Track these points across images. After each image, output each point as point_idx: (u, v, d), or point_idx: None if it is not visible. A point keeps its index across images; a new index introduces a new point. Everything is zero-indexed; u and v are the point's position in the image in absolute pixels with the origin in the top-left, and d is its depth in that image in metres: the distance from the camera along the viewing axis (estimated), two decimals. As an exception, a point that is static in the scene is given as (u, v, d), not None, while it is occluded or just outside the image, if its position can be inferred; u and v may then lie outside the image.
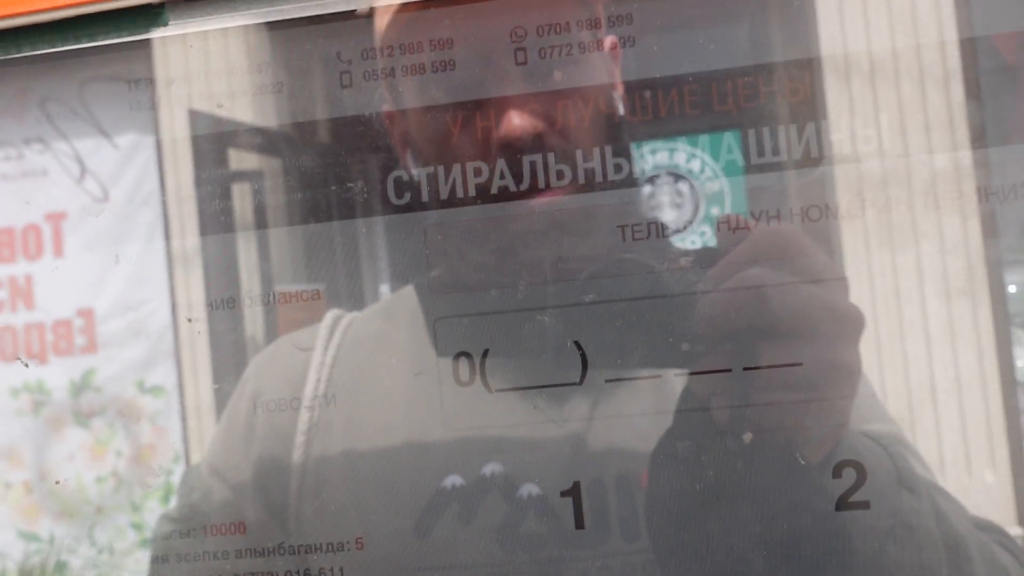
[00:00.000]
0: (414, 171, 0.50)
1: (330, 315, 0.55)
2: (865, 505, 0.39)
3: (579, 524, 0.45)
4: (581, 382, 0.43)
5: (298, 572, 0.46)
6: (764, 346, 0.40)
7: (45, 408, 1.16)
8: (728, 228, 0.43)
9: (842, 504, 0.39)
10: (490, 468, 0.46)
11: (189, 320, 0.59)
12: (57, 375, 1.35)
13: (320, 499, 0.51)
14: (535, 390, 0.44)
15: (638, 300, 0.43)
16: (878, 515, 0.42)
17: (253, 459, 0.54)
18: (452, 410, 0.45)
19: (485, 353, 0.44)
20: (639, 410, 0.43)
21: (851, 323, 0.41)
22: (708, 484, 0.40)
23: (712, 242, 0.53)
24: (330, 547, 0.45)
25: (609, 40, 0.49)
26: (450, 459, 0.47)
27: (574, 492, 0.45)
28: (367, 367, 0.51)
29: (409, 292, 0.56)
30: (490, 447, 0.46)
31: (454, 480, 0.46)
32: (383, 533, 0.46)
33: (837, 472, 0.41)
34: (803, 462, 0.40)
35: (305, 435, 0.51)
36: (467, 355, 0.44)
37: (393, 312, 0.53)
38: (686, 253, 0.45)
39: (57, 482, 0.92)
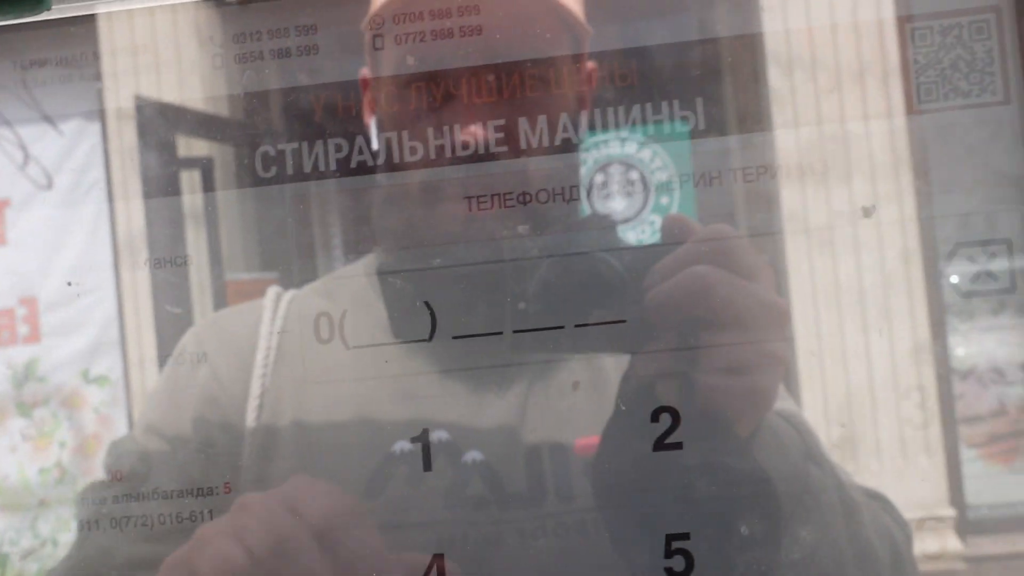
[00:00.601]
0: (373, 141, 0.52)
1: (271, 290, 0.56)
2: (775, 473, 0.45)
3: (517, 488, 0.49)
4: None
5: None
6: (704, 334, 0.45)
7: (-14, 399, 1.13)
8: (675, 227, 0.48)
9: (759, 471, 0.44)
10: (437, 435, 0.49)
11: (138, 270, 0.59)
12: (-2, 365, 1.33)
13: (272, 463, 0.53)
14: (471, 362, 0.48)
15: (596, 290, 0.46)
16: (788, 484, 0.47)
17: (199, 421, 0.54)
18: (400, 381, 0.48)
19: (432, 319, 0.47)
20: (571, 386, 0.47)
21: (779, 316, 0.47)
22: (652, 454, 0.44)
23: (659, 234, 0.56)
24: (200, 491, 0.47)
25: (589, 66, 0.53)
26: (399, 427, 0.50)
27: (514, 458, 0.49)
28: (312, 340, 0.53)
29: (354, 269, 0.58)
30: (437, 417, 0.49)
31: (403, 446, 0.50)
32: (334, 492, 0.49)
33: (759, 447, 0.46)
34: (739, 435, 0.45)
35: (258, 399, 0.53)
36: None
37: (335, 290, 0.55)
38: (633, 250, 0.49)
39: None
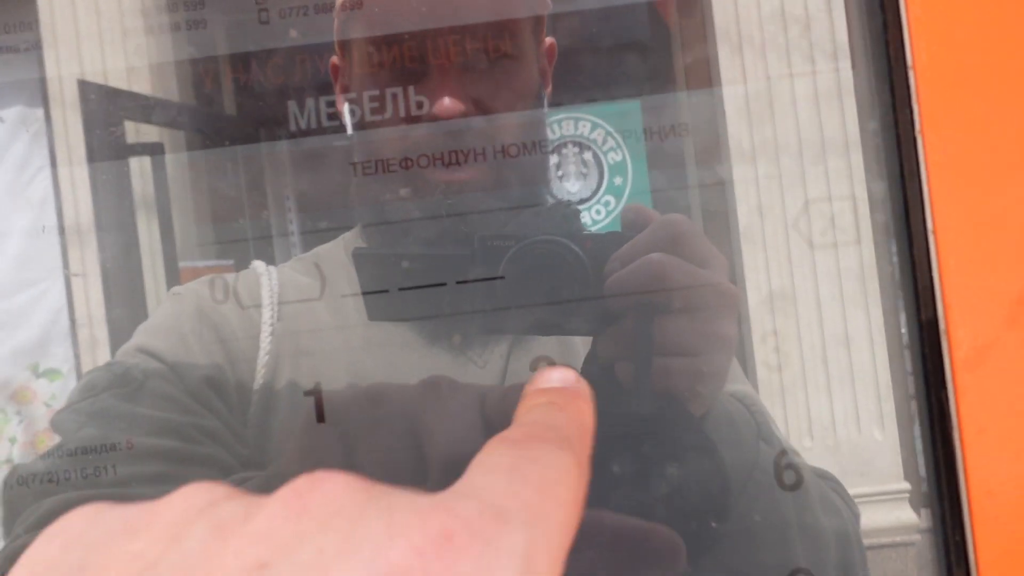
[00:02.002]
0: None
1: (257, 262, 0.57)
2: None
3: None
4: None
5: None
6: (660, 318, 0.47)
7: (-69, 395, 1.11)
8: (634, 216, 0.51)
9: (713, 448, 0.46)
10: None
11: (75, 275, 0.59)
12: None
13: (269, 420, 0.54)
14: (458, 334, 0.50)
15: (559, 275, 0.48)
16: (741, 461, 0.49)
17: (205, 358, 0.55)
18: (387, 349, 0.51)
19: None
20: (532, 361, 0.49)
21: (730, 301, 0.49)
22: (612, 430, 0.46)
23: (615, 212, 0.56)
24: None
25: (548, 41, 0.55)
26: None
27: (490, 429, 0.51)
28: (302, 314, 0.54)
29: (333, 247, 0.58)
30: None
31: None
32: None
33: (712, 426, 0.48)
34: (692, 414, 0.47)
35: (267, 354, 0.54)
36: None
37: (318, 266, 0.56)
38: (595, 238, 0.51)
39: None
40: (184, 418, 0.53)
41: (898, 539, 0.66)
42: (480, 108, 0.53)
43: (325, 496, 0.24)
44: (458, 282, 0.48)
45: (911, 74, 0.46)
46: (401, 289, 0.49)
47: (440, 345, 0.53)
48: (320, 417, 0.47)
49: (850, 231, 0.55)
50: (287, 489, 0.25)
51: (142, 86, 0.63)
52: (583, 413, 0.33)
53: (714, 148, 0.56)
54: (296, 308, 0.57)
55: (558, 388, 0.33)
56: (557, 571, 0.24)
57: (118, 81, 0.62)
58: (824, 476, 0.56)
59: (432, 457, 0.43)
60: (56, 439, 0.55)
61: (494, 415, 0.43)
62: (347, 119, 0.54)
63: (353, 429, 0.44)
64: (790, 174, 0.57)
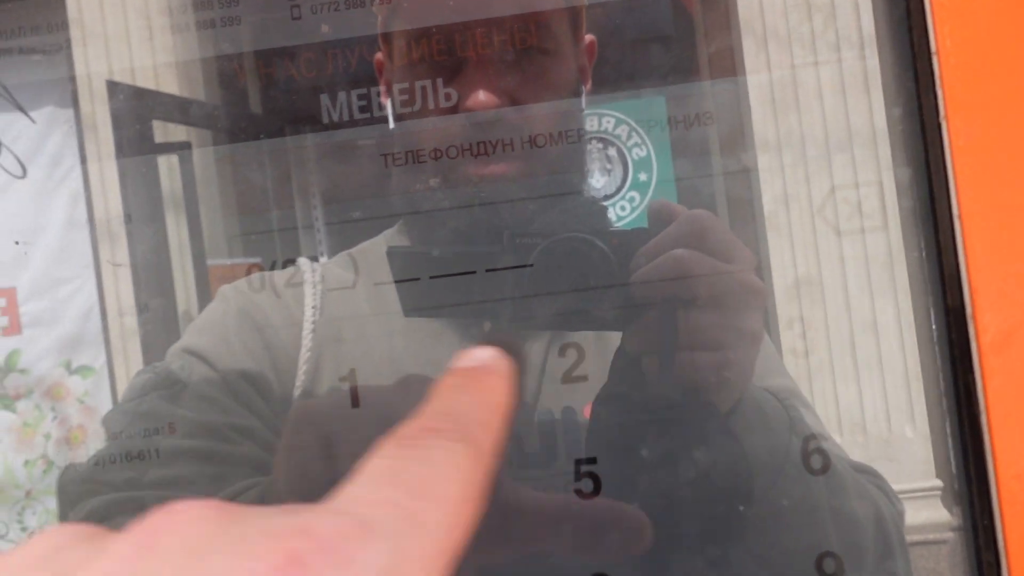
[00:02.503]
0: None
1: (302, 260, 0.58)
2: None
3: (533, 448, 0.53)
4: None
5: None
6: (686, 313, 0.47)
7: (-31, 392, 1.13)
8: (660, 212, 0.51)
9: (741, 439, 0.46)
10: None
11: (118, 265, 0.60)
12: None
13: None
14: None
15: (586, 272, 0.49)
16: (773, 456, 0.49)
17: (252, 353, 0.56)
18: (428, 344, 0.51)
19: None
20: (583, 362, 0.50)
21: (756, 295, 0.49)
22: (638, 423, 0.46)
23: (640, 208, 0.56)
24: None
25: (588, 38, 0.55)
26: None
27: (532, 421, 0.52)
28: (347, 308, 0.56)
29: (373, 243, 0.59)
30: None
31: None
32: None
33: (740, 420, 0.48)
34: (718, 409, 0.46)
35: (309, 351, 0.55)
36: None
37: (355, 257, 0.57)
38: (621, 234, 0.52)
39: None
40: (224, 419, 0.54)
41: (930, 537, 0.65)
42: (515, 103, 0.53)
43: (176, 530, 0.24)
44: (487, 270, 0.49)
45: (935, 60, 0.45)
46: (432, 278, 0.50)
47: (471, 334, 0.54)
48: (355, 402, 0.47)
49: (877, 217, 0.55)
50: (139, 526, 0.24)
51: (170, 83, 0.64)
52: (494, 391, 0.32)
53: (739, 136, 0.56)
54: (336, 301, 0.58)
55: (469, 367, 0.32)
56: (440, 570, 0.24)
57: (146, 79, 0.63)
58: (865, 470, 0.56)
59: None
60: (101, 438, 0.56)
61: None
62: (390, 114, 0.55)
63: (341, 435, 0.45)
64: (816, 161, 0.56)
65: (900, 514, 0.56)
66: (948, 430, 0.53)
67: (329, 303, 0.58)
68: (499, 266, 0.49)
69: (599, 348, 0.53)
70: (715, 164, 0.55)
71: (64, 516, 0.57)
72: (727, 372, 0.49)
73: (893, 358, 0.60)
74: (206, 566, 0.22)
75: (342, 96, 0.55)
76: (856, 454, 0.68)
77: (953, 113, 0.45)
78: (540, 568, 0.45)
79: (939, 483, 0.70)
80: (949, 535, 0.68)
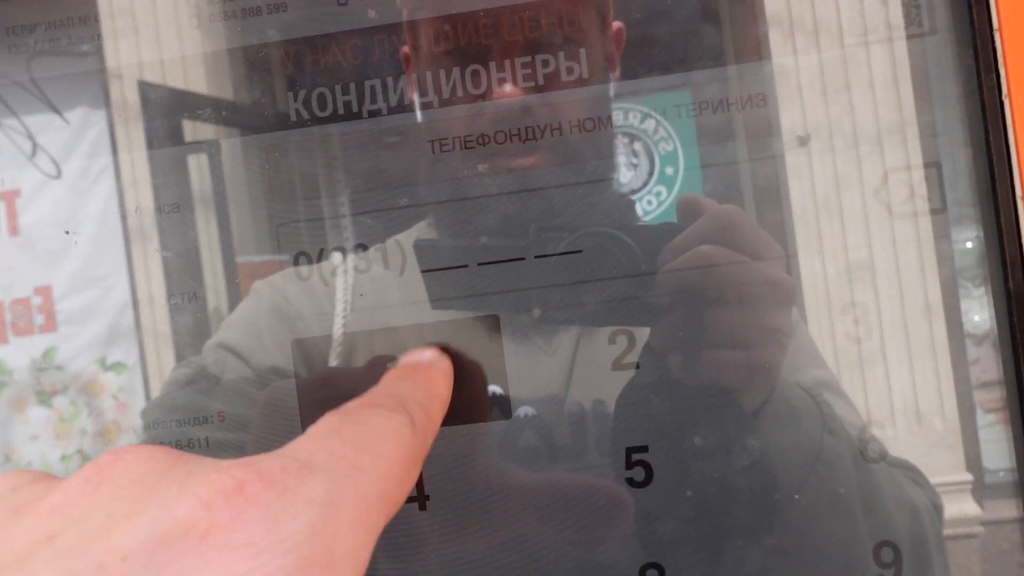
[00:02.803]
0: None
1: (335, 254, 0.59)
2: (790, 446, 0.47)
3: (564, 441, 0.53)
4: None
5: None
6: (712, 310, 0.47)
7: (7, 389, 1.15)
8: (687, 206, 0.51)
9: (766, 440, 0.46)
10: (491, 390, 0.53)
11: (165, 255, 0.62)
12: (18, 355, 1.32)
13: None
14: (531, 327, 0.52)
15: (612, 268, 0.49)
16: (803, 454, 0.49)
17: (279, 345, 0.58)
18: (456, 339, 0.52)
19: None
20: (608, 349, 0.50)
21: (784, 292, 0.48)
22: (665, 419, 0.46)
23: (666, 203, 0.56)
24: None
25: (615, 25, 0.55)
26: None
27: (561, 414, 0.53)
28: (377, 302, 0.56)
29: (406, 235, 0.60)
30: (490, 373, 0.53)
31: None
32: None
33: (768, 416, 0.48)
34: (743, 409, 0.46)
35: (341, 346, 0.56)
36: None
37: (390, 254, 0.58)
38: (648, 229, 0.52)
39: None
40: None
41: (960, 531, 0.64)
42: (542, 92, 0.54)
43: (126, 467, 0.25)
44: (510, 260, 0.49)
45: (997, 36, 0.45)
46: (451, 268, 0.50)
47: (506, 337, 0.54)
48: (326, 384, 0.48)
49: (934, 200, 0.54)
50: (90, 464, 0.25)
51: (204, 76, 0.64)
52: (433, 382, 0.34)
53: (769, 122, 0.55)
54: (367, 294, 0.59)
55: (413, 363, 0.35)
56: (374, 518, 0.25)
57: (179, 73, 0.63)
58: (902, 465, 0.56)
59: None
60: (136, 431, 0.57)
61: None
62: (417, 107, 0.55)
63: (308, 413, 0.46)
64: (868, 142, 0.56)
65: (938, 508, 0.56)
66: (981, 424, 0.53)
67: (360, 295, 0.59)
68: (525, 260, 0.50)
69: (631, 341, 0.53)
70: (742, 151, 0.55)
71: None
72: (754, 371, 0.48)
73: (944, 343, 0.59)
74: (153, 494, 0.23)
75: (376, 85, 0.55)
76: (910, 443, 0.67)
77: (1016, 91, 0.45)
78: (591, 558, 0.45)
79: (969, 477, 0.69)
80: (979, 529, 0.67)
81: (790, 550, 0.48)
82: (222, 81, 0.64)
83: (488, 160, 0.53)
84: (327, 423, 0.29)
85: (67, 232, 0.64)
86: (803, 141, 0.51)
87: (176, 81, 0.63)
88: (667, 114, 0.57)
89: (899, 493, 0.53)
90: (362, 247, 0.60)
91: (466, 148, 0.53)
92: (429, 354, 0.37)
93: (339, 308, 0.57)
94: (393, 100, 0.55)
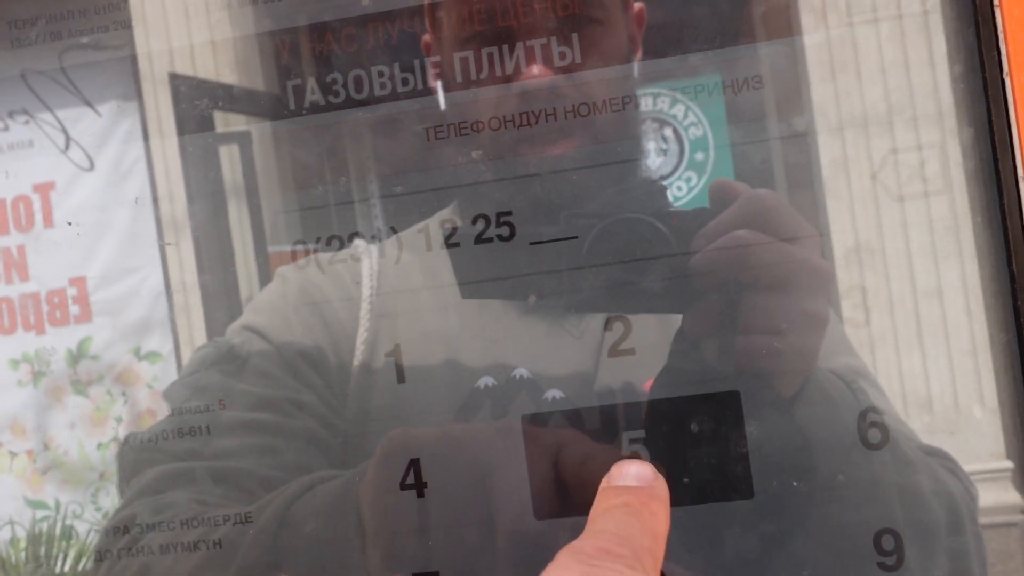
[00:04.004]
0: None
1: (359, 241, 0.59)
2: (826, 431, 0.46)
3: (594, 424, 0.52)
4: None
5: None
6: (747, 296, 0.46)
7: (44, 378, 1.17)
8: (719, 192, 0.50)
9: (805, 427, 0.45)
10: (519, 373, 0.53)
11: (168, 244, 0.62)
12: (55, 345, 1.34)
13: (371, 394, 0.56)
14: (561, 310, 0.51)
15: (644, 254, 0.49)
16: (838, 441, 0.48)
17: (308, 328, 0.58)
18: (484, 321, 0.52)
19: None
20: (643, 338, 0.49)
21: (820, 277, 0.47)
22: (698, 408, 0.46)
23: (697, 188, 0.56)
24: None
25: (637, 6, 0.55)
26: (484, 365, 0.54)
27: (591, 398, 0.52)
28: (403, 286, 0.56)
29: (421, 228, 0.60)
30: (519, 356, 0.53)
31: (487, 381, 0.53)
32: (426, 424, 0.53)
33: (804, 407, 0.47)
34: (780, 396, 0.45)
35: (366, 331, 0.56)
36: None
37: (412, 242, 0.58)
38: (680, 215, 0.51)
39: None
40: (281, 393, 0.55)
41: (999, 519, 0.63)
42: (566, 73, 0.53)
43: None
44: (531, 243, 0.49)
45: (997, 12, 0.43)
46: (476, 243, 0.50)
47: (534, 320, 0.54)
48: (400, 378, 0.48)
49: (939, 180, 0.53)
50: None
51: (228, 62, 0.65)
52: (657, 518, 0.33)
53: (795, 99, 0.55)
54: (391, 278, 0.59)
55: (634, 488, 0.34)
56: None
57: (205, 59, 0.64)
58: (935, 453, 0.55)
59: (496, 493, 0.43)
60: (165, 409, 0.58)
61: (570, 476, 0.43)
62: (440, 95, 0.55)
63: (428, 465, 0.45)
64: (875, 123, 0.55)
65: (973, 498, 0.54)
66: (1020, 405, 0.52)
67: (385, 279, 0.59)
68: (556, 247, 0.49)
69: (645, 321, 0.52)
70: (771, 129, 0.54)
71: (123, 485, 0.59)
72: (790, 358, 0.47)
73: (959, 327, 0.58)
74: None
75: (394, 69, 0.55)
76: (922, 434, 0.67)
77: (1017, 68, 0.43)
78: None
79: (1009, 464, 0.68)
80: (1020, 517, 0.66)
81: (790, 536, 0.47)
82: (252, 68, 0.65)
83: (511, 144, 0.53)
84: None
85: (69, 223, 0.65)
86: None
87: (207, 68, 0.63)
88: (696, 95, 0.57)
89: (903, 481, 0.52)
90: (391, 230, 0.60)
91: (492, 130, 0.53)
92: (648, 474, 0.35)
93: (365, 293, 0.57)
94: (419, 84, 0.55)
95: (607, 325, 0.50)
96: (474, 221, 0.51)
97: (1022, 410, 0.49)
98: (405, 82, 0.55)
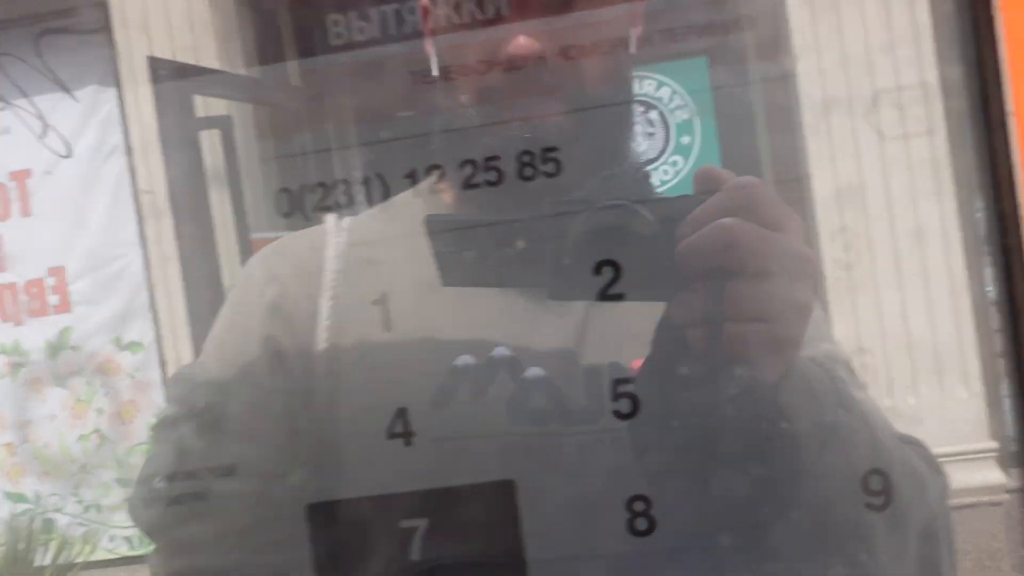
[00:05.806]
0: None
1: (330, 217, 0.57)
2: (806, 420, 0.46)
3: (577, 404, 0.51)
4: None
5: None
6: (732, 283, 0.46)
7: (23, 369, 1.15)
8: (705, 179, 0.49)
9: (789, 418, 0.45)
10: (499, 352, 0.52)
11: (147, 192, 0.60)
12: (33, 336, 1.31)
13: (340, 379, 0.55)
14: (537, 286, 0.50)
15: (629, 241, 0.48)
16: (818, 429, 0.48)
17: (268, 338, 0.56)
18: (462, 299, 0.50)
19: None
20: (626, 318, 0.49)
21: (805, 265, 0.47)
22: (684, 395, 0.45)
23: (683, 173, 0.55)
24: None
25: None
26: (461, 343, 0.52)
27: (575, 376, 0.51)
28: (375, 263, 0.55)
29: (406, 197, 0.58)
30: (498, 334, 0.51)
31: (465, 360, 0.52)
32: (406, 403, 0.51)
33: (787, 393, 0.47)
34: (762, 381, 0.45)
35: (329, 319, 0.54)
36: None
37: (392, 213, 0.56)
38: (666, 201, 0.51)
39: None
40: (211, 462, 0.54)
41: (985, 498, 0.64)
42: (560, 49, 0.52)
43: None
44: (521, 178, 0.48)
45: None
46: (466, 227, 0.49)
47: (513, 297, 0.53)
48: (387, 327, 0.47)
49: (922, 121, 0.53)
50: None
51: (208, 39, 0.64)
52: None
53: (777, 41, 0.54)
54: (363, 228, 0.57)
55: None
56: None
57: (184, 39, 0.63)
58: (909, 441, 0.55)
59: None
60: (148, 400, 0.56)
61: None
62: (433, 61, 0.54)
63: None
64: (857, 63, 0.54)
65: (944, 486, 0.55)
66: (1006, 392, 0.52)
67: (357, 229, 0.58)
68: (541, 233, 0.49)
69: (644, 314, 0.52)
70: (753, 70, 0.54)
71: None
72: (776, 345, 0.47)
73: (938, 267, 0.58)
74: None
75: (377, 13, 0.54)
76: (908, 425, 0.67)
77: (1008, 2, 0.43)
78: (581, 491, 0.45)
79: (994, 445, 0.69)
80: (1005, 497, 0.67)
81: (778, 479, 0.47)
82: (231, 43, 0.64)
83: (502, 108, 0.52)
84: None
85: (83, 214, 0.64)
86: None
87: (184, 44, 0.62)
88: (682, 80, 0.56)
89: (910, 471, 0.52)
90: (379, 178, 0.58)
91: (480, 101, 0.52)
92: None
93: (327, 278, 0.56)
94: (376, 32, 0.54)
95: (596, 270, 0.49)
96: (461, 166, 0.50)
97: (1004, 330, 0.49)
98: (398, 20, 0.54)
